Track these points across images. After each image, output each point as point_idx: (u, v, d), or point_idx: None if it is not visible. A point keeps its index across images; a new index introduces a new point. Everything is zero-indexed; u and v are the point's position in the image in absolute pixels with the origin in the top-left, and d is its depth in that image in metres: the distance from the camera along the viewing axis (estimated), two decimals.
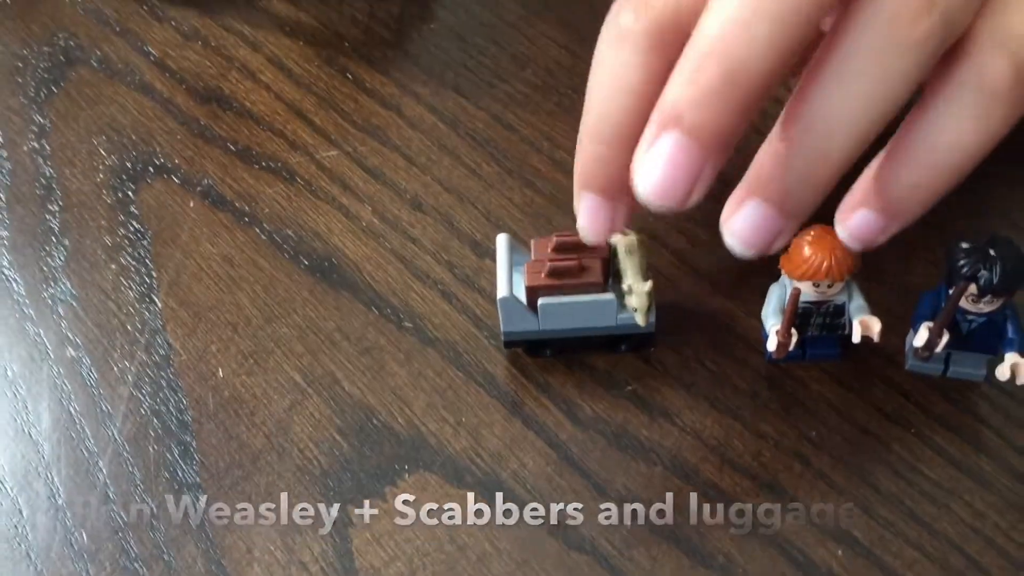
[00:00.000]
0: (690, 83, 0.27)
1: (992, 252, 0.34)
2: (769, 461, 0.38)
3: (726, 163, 0.29)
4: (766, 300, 0.38)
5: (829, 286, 0.36)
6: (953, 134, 0.28)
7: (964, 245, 0.35)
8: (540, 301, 0.37)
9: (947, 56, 0.27)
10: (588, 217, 0.32)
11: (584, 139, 0.31)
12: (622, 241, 0.39)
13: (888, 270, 0.42)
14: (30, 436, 0.40)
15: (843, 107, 0.27)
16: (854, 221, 0.30)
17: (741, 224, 0.29)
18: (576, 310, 0.37)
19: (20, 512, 0.38)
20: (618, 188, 0.31)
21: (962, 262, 0.35)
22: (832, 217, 0.32)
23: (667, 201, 0.28)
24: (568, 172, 0.46)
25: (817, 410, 0.39)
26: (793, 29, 0.26)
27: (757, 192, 0.29)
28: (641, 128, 0.28)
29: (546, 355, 0.40)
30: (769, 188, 0.28)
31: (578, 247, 0.37)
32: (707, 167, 0.27)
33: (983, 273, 0.34)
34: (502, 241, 0.39)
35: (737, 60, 0.26)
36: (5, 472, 0.39)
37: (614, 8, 0.31)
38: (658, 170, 0.27)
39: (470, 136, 0.48)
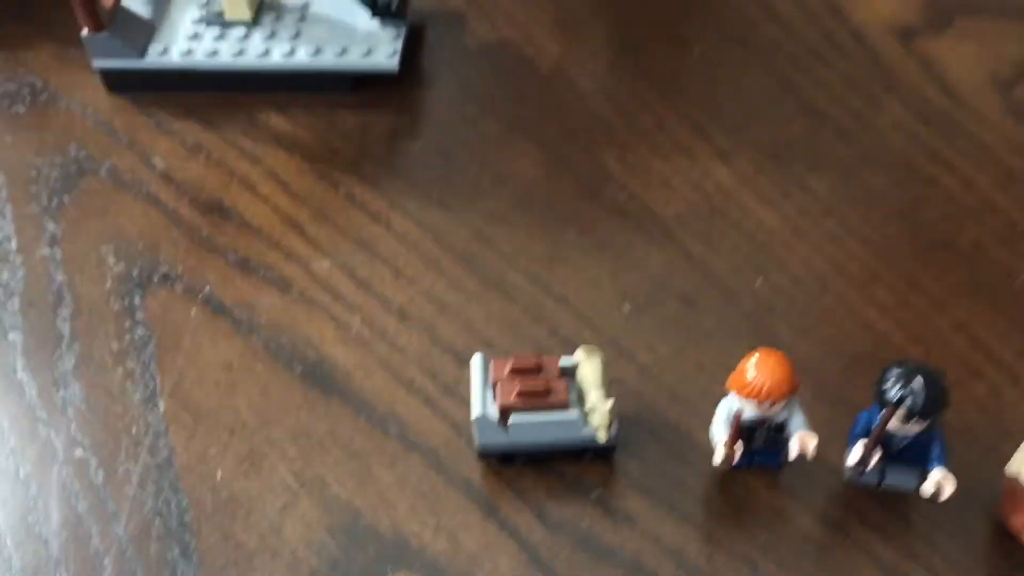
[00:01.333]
0: None
1: (917, 379, 0.38)
2: (721, 566, 0.41)
3: None
4: (716, 414, 0.42)
5: (771, 405, 0.40)
6: None
7: (893, 371, 0.39)
8: (511, 419, 0.41)
9: None
10: None
11: None
12: (586, 361, 0.43)
13: (831, 387, 0.46)
14: (39, 534, 0.43)
15: None
16: None
17: None
18: (544, 427, 0.41)
19: None
20: None
21: (890, 388, 0.39)
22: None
23: None
24: (541, 285, 0.50)
25: (765, 516, 0.43)
26: None
27: None
28: None
29: (518, 464, 0.44)
30: None
31: (536, 368, 0.42)
32: None
33: (908, 399, 0.38)
34: (476, 362, 0.43)
35: None
36: (15, 570, 0.42)
37: None
38: None
39: (453, 250, 0.52)
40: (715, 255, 0.51)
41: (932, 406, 0.38)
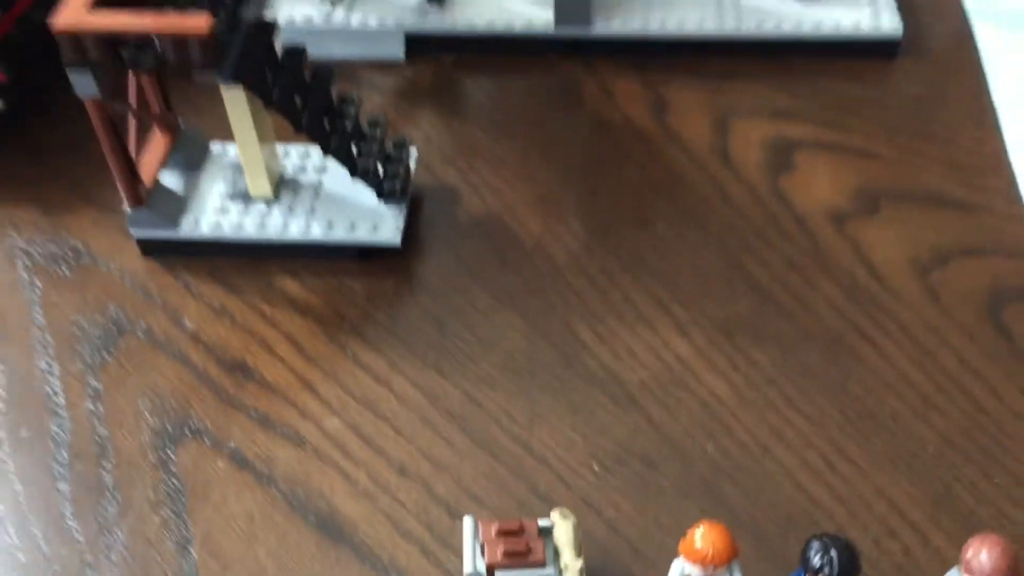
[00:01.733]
0: None
1: (833, 551, 0.46)
2: None
3: None
4: (670, 572, 0.50)
5: (715, 569, 0.48)
6: None
7: (814, 543, 0.47)
8: (496, 575, 0.49)
9: None
10: None
11: None
12: (560, 523, 0.51)
13: (770, 544, 0.54)
14: None
15: None
16: None
17: None
18: None
19: None
20: None
21: (812, 556, 0.47)
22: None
23: None
24: (522, 445, 0.58)
25: None
26: None
27: None
28: None
29: None
30: None
31: (519, 530, 0.49)
32: None
33: (826, 567, 0.46)
34: (468, 523, 0.51)
35: None
36: None
37: None
38: None
39: (446, 411, 0.60)
40: (672, 420, 0.59)
41: (846, 573, 0.46)
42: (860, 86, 0.77)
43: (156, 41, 0.57)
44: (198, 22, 0.56)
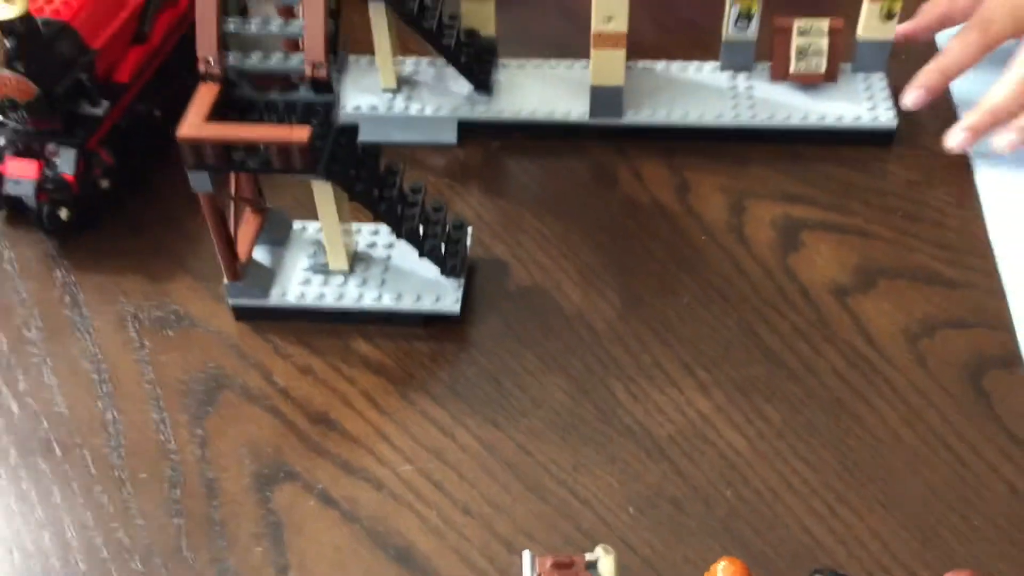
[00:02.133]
0: None
1: None
2: None
3: None
4: None
5: None
6: None
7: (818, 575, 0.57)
8: None
9: None
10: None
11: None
12: (604, 557, 0.61)
13: None
14: None
15: None
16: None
17: None
18: None
19: None
20: None
21: None
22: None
23: None
24: (568, 489, 0.68)
25: None
26: None
27: None
28: None
29: None
30: None
31: (570, 563, 0.59)
32: None
33: None
34: (527, 557, 0.61)
35: None
36: None
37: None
38: None
39: (502, 459, 0.70)
40: (696, 469, 0.69)
41: None
42: (860, 172, 0.88)
43: (262, 148, 0.68)
44: (301, 133, 0.67)
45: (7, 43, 0.76)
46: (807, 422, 0.72)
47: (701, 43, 0.96)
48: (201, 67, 0.70)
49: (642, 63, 0.95)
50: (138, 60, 0.87)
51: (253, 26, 0.71)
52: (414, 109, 0.92)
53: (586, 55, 0.87)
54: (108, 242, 0.85)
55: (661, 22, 1.03)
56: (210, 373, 0.76)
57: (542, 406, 0.73)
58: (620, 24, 0.84)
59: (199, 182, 0.70)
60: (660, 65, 0.95)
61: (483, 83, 0.93)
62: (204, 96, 0.69)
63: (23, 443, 0.72)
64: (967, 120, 0.85)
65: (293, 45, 0.73)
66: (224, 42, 0.70)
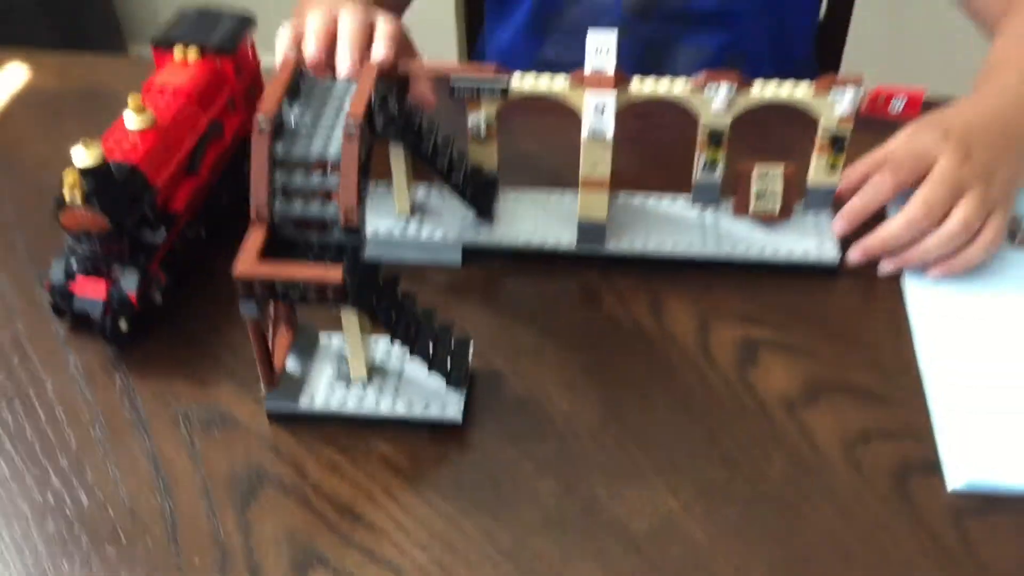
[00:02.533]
0: None
1: None
2: None
3: None
4: None
5: None
6: None
7: None
8: None
9: None
10: None
11: None
12: None
13: None
14: None
15: None
16: None
17: None
18: None
19: None
20: None
21: None
22: None
23: None
24: None
25: None
26: None
27: None
28: None
29: None
30: None
31: None
32: None
33: None
34: None
35: None
36: None
37: None
38: None
39: (501, 550, 0.83)
40: (667, 561, 0.82)
41: None
42: (808, 299, 1.02)
43: (302, 284, 0.81)
44: (335, 274, 0.81)
45: (85, 184, 0.90)
46: (759, 520, 0.85)
47: (675, 180, 1.11)
48: (253, 213, 0.84)
49: (623, 195, 1.10)
50: (190, 191, 1.01)
51: (298, 180, 0.85)
52: (424, 234, 1.06)
53: (577, 184, 1.02)
54: (160, 350, 0.98)
55: (642, 158, 1.18)
56: (252, 468, 0.88)
57: (534, 503, 0.86)
58: (604, 171, 0.99)
59: (248, 309, 0.83)
60: (638, 199, 1.10)
61: (486, 212, 1.07)
62: (255, 237, 0.83)
63: (93, 532, 0.84)
64: (864, 242, 1.04)
65: (327, 193, 0.87)
66: (272, 190, 0.84)
